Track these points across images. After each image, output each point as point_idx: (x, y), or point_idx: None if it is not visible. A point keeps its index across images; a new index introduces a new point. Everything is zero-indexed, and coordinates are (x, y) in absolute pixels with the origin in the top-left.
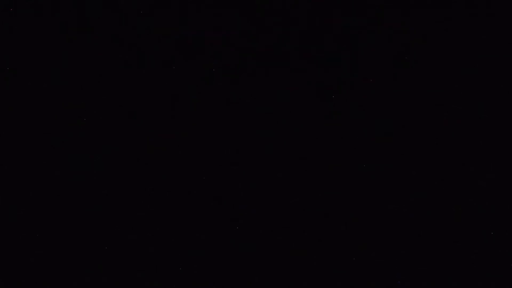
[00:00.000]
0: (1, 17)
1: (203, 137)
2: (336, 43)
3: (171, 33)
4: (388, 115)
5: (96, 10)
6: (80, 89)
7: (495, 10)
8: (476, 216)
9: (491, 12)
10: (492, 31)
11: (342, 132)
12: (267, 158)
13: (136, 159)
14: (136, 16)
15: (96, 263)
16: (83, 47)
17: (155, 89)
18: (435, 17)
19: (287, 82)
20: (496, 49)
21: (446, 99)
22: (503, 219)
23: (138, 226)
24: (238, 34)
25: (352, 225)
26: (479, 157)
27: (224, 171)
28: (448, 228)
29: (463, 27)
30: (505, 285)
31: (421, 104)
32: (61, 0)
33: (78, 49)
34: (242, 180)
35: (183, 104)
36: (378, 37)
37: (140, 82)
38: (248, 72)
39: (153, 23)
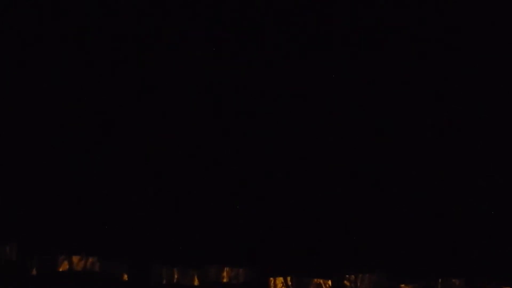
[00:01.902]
0: (1, 17)
1: (202, 137)
2: (336, 43)
3: (171, 33)
4: (388, 115)
5: (96, 10)
6: (80, 89)
7: (495, 10)
8: (476, 216)
9: (491, 12)
10: (492, 31)
11: (342, 132)
12: (266, 158)
13: (136, 159)
14: (135, 16)
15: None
16: (82, 46)
17: (155, 88)
18: (435, 17)
19: (286, 81)
20: (496, 49)
21: (446, 99)
22: (503, 219)
23: (137, 226)
24: (239, 33)
25: (352, 225)
26: (479, 157)
27: (224, 172)
28: (448, 228)
29: (463, 27)
30: (505, 285)
31: (421, 104)
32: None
33: (77, 49)
34: (242, 181)
35: (182, 103)
36: (378, 37)
37: (140, 81)
38: (248, 71)
39: (153, 23)
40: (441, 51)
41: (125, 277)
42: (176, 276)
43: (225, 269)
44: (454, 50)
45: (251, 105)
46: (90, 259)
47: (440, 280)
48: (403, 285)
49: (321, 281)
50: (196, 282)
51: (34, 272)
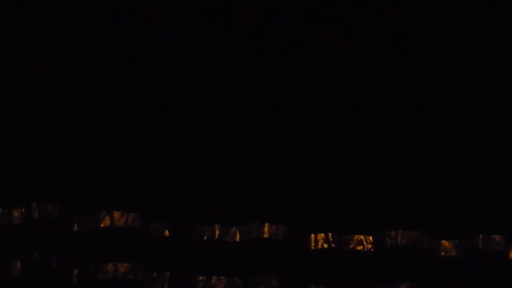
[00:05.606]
0: (1, 17)
1: (201, 138)
2: (335, 43)
3: (170, 33)
4: (388, 115)
5: (95, 10)
6: (80, 89)
7: (495, 10)
8: (476, 216)
9: (491, 12)
10: (492, 31)
11: (341, 132)
12: (264, 158)
13: (135, 160)
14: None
15: None
16: (82, 46)
17: (154, 88)
18: (435, 17)
19: (284, 81)
20: (496, 49)
21: (446, 99)
22: (502, 219)
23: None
24: (238, 33)
25: (392, 181)
26: (479, 157)
27: (222, 173)
28: (448, 227)
29: (463, 26)
30: (505, 285)
31: (421, 104)
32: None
33: (77, 48)
34: (241, 181)
35: (180, 103)
36: (378, 37)
37: (139, 81)
38: (247, 71)
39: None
40: (440, 50)
41: (166, 233)
42: (217, 233)
43: (266, 225)
44: (454, 49)
45: (248, 104)
46: (131, 215)
47: (481, 236)
48: (443, 241)
49: (362, 237)
50: (237, 239)
51: (75, 228)
